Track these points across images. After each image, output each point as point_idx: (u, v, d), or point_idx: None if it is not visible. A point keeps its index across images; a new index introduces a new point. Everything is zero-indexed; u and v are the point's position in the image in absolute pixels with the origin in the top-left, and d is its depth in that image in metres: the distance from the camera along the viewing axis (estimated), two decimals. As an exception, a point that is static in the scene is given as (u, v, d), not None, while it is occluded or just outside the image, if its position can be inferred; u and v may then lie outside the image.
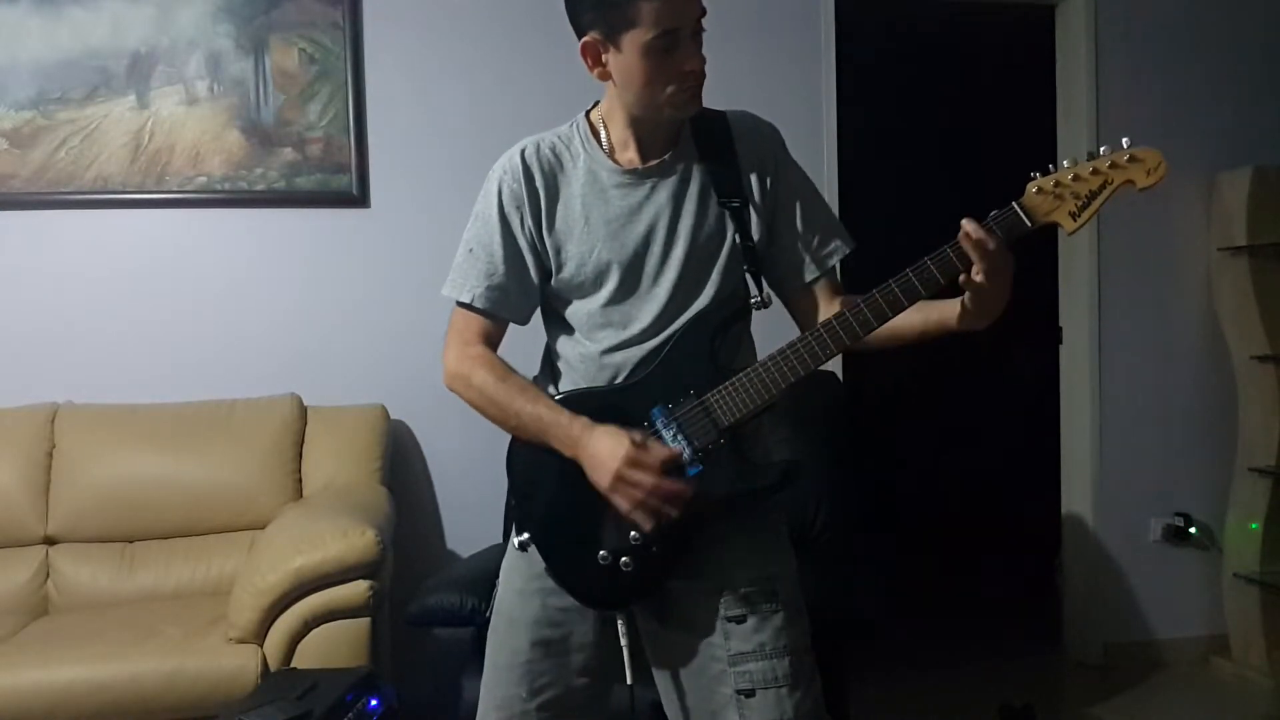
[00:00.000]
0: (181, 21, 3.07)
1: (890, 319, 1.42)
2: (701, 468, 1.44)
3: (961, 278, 1.38)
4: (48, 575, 2.78)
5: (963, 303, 1.41)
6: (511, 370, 1.52)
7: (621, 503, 1.42)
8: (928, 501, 4.87)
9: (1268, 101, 3.62)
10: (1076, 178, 1.36)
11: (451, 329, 1.56)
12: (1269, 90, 3.63)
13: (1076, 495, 3.66)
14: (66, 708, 2.23)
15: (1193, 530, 3.58)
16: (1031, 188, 1.38)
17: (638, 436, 1.42)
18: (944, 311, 1.45)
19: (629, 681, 1.50)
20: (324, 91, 3.14)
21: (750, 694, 1.45)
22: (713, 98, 1.51)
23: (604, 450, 1.41)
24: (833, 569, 2.53)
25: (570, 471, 1.47)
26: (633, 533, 1.46)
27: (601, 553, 1.48)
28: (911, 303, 1.41)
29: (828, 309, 1.54)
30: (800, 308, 1.59)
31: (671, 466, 1.42)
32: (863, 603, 2.46)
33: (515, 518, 1.58)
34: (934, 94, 4.96)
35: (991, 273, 1.35)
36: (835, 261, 1.58)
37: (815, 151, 3.32)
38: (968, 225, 1.35)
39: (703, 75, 1.44)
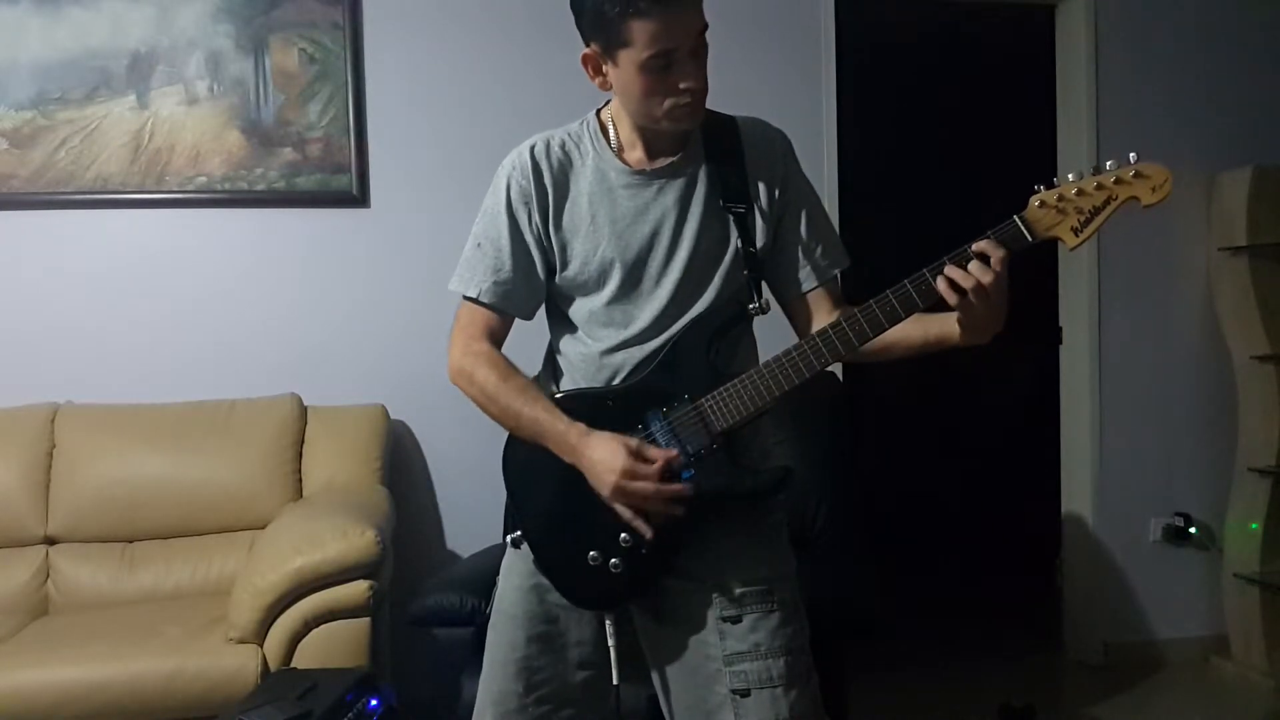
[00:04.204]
0: (181, 21, 3.07)
1: (886, 330, 1.41)
2: (694, 472, 1.45)
3: (952, 297, 1.36)
4: (48, 575, 2.78)
5: (958, 319, 1.41)
6: (514, 369, 1.52)
7: (624, 512, 1.44)
8: (928, 502, 4.87)
9: (1268, 101, 3.62)
10: (1080, 192, 1.35)
11: (457, 323, 1.56)
12: (1269, 90, 3.62)
13: (1076, 495, 3.66)
14: (66, 708, 2.23)
15: (1193, 530, 3.58)
16: (1034, 201, 1.36)
17: (633, 442, 1.43)
18: (944, 326, 1.45)
19: (615, 681, 1.51)
20: (324, 91, 3.14)
21: (745, 694, 1.45)
22: (712, 99, 1.50)
23: (600, 460, 1.42)
24: (833, 569, 2.53)
25: (563, 474, 1.48)
26: (623, 535, 1.47)
27: (591, 553, 1.48)
28: (908, 314, 1.40)
29: (826, 318, 1.54)
30: (799, 316, 1.59)
31: (670, 470, 1.43)
32: (863, 603, 2.46)
33: (509, 516, 1.59)
34: (934, 94, 4.96)
35: (980, 295, 1.34)
36: (835, 272, 1.58)
37: (815, 153, 3.31)
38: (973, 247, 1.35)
39: (702, 91, 1.43)
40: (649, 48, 1.36)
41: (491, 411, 1.51)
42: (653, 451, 1.43)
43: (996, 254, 1.34)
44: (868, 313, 1.41)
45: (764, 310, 1.52)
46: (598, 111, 1.57)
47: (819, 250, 1.57)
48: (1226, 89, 3.59)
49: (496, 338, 1.55)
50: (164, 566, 2.79)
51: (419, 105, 3.20)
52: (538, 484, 1.53)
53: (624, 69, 1.40)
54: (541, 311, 1.61)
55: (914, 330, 1.46)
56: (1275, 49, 3.64)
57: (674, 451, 1.44)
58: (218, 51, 3.09)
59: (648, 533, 1.44)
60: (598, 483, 1.44)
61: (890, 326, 1.41)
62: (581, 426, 1.45)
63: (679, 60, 1.39)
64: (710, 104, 1.51)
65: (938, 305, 1.41)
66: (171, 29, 3.07)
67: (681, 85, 1.40)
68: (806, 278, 1.56)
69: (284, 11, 3.11)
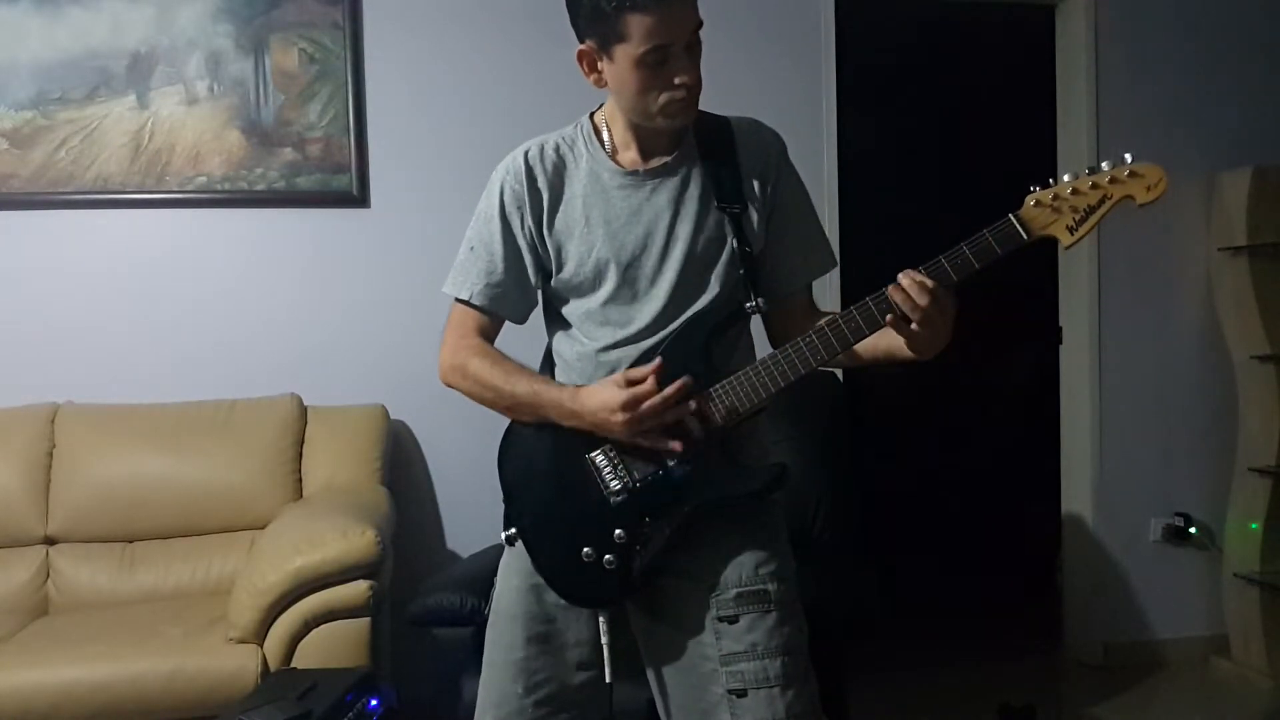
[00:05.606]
0: (181, 21, 3.07)
1: (882, 326, 1.41)
2: (690, 468, 1.45)
3: (888, 317, 1.38)
4: (48, 575, 2.78)
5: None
6: (504, 356, 1.54)
7: (646, 442, 1.44)
8: (928, 501, 4.87)
9: (1268, 101, 3.62)
10: (1075, 191, 1.37)
11: (449, 324, 1.58)
12: (1269, 90, 3.62)
13: (1076, 495, 3.66)
14: (66, 708, 2.23)
15: (1193, 530, 3.58)
16: (1030, 200, 1.38)
17: (618, 376, 1.44)
18: (892, 340, 1.45)
19: (608, 679, 1.51)
20: (324, 91, 3.14)
21: (742, 694, 1.45)
22: (712, 99, 1.51)
23: (599, 405, 1.43)
24: (833, 569, 2.53)
25: (557, 470, 1.49)
26: (617, 531, 1.47)
27: (586, 550, 1.49)
28: (884, 318, 1.41)
29: (806, 319, 1.54)
30: (780, 315, 1.59)
31: (660, 377, 1.43)
32: (863, 603, 2.46)
33: (505, 514, 1.59)
34: (934, 94, 4.96)
35: (924, 320, 1.36)
36: (815, 277, 1.59)
37: (815, 152, 3.32)
38: (901, 279, 1.36)
39: (697, 87, 1.44)
40: (645, 42, 1.37)
41: (487, 399, 1.53)
42: (638, 371, 1.44)
43: (926, 286, 1.35)
44: (863, 309, 1.42)
45: (761, 310, 1.52)
46: (591, 114, 1.58)
47: (807, 251, 1.57)
48: (1226, 89, 3.59)
49: (487, 338, 1.57)
50: (164, 566, 2.79)
51: (419, 105, 3.20)
52: (532, 481, 1.54)
53: (620, 64, 1.41)
54: (537, 314, 1.61)
55: (867, 342, 1.46)
56: (1275, 49, 3.63)
57: (658, 361, 1.45)
58: (218, 51, 3.09)
59: (680, 447, 1.44)
60: (608, 429, 1.44)
61: (884, 323, 1.41)
62: (572, 389, 1.47)
63: (674, 55, 1.40)
64: (709, 104, 1.51)
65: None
66: (171, 29, 3.07)
67: (677, 80, 1.41)
68: (794, 275, 1.57)
69: (284, 11, 3.11)
